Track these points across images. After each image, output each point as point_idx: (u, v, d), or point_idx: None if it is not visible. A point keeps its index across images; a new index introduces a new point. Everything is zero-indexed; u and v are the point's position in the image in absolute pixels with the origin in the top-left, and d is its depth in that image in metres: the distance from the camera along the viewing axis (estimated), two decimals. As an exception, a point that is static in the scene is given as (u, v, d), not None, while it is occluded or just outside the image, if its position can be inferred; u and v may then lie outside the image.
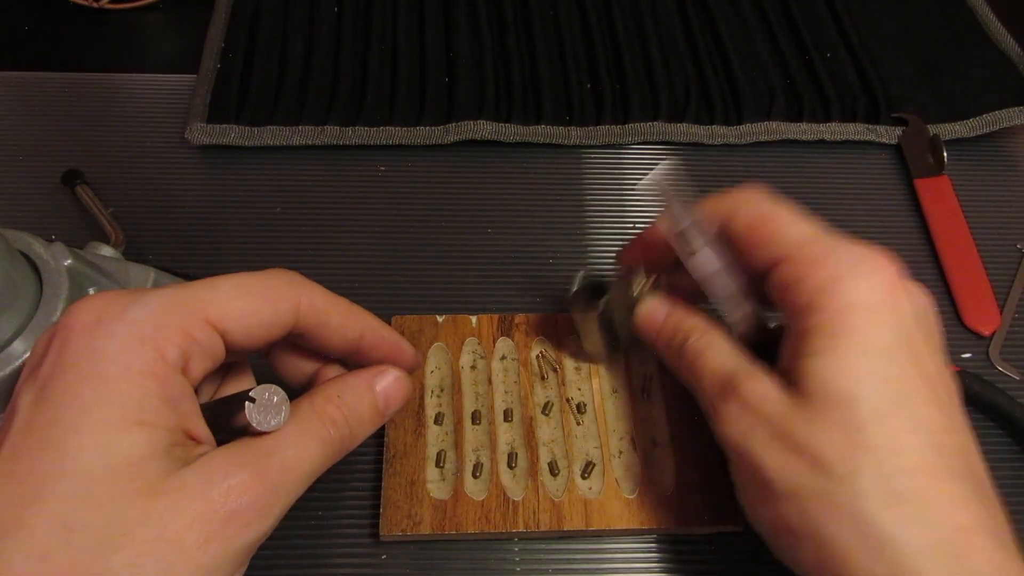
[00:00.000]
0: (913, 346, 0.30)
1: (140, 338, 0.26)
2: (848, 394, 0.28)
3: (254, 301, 0.29)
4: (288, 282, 0.30)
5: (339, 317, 0.31)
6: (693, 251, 0.33)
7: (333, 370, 0.34)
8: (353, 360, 0.34)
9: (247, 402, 0.27)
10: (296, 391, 0.31)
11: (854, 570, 0.27)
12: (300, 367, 0.34)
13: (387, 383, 0.33)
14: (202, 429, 0.27)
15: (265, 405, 0.27)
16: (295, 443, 0.28)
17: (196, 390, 0.28)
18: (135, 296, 0.27)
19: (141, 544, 0.24)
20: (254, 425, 0.27)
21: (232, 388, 0.33)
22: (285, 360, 0.34)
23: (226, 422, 0.28)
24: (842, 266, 0.30)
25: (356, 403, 0.31)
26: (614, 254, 0.47)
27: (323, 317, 0.31)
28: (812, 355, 0.29)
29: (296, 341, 0.32)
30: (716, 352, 0.33)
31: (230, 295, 0.28)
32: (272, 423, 0.28)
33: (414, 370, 0.36)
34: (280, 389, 0.28)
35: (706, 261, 0.33)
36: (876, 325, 0.29)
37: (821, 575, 0.29)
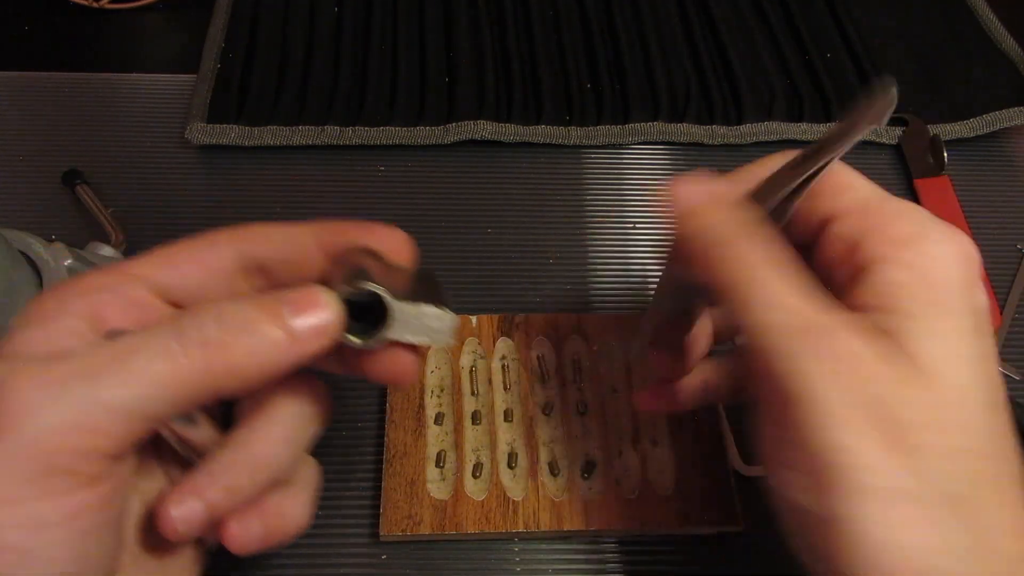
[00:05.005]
0: (985, 342, 0.26)
1: (55, 296, 0.26)
2: (963, 385, 0.24)
3: (178, 250, 0.30)
4: (220, 229, 0.30)
5: (282, 232, 0.30)
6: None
7: None
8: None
9: None
10: None
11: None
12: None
13: (305, 291, 0.26)
14: None
15: None
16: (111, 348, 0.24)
17: None
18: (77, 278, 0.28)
19: None
20: None
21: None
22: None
23: None
24: (925, 227, 0.26)
25: (238, 306, 0.25)
26: (614, 254, 0.47)
27: (262, 238, 0.30)
28: (912, 318, 0.25)
29: (272, 279, 0.30)
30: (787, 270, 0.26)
31: (154, 253, 0.29)
32: None
33: (405, 254, 0.30)
34: None
35: None
36: (960, 303, 0.25)
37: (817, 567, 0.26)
